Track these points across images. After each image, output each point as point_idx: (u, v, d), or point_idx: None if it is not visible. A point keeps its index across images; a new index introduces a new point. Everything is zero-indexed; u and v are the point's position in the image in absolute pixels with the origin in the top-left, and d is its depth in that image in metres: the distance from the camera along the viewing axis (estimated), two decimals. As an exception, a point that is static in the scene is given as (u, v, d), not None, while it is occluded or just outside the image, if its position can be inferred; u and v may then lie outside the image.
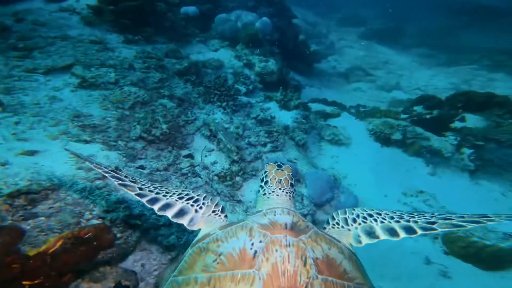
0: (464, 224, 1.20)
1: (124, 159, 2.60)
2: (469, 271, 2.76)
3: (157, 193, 1.37)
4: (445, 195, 3.69)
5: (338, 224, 1.40)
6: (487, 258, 2.73)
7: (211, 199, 1.46)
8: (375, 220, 1.34)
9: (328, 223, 1.44)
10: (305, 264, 0.96)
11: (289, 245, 1.02)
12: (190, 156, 3.11)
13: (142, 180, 1.49)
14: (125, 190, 1.34)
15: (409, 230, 1.25)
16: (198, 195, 1.45)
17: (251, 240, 1.07)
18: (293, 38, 9.75)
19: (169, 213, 1.31)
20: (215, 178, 2.87)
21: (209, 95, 4.33)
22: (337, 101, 6.15)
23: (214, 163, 3.13)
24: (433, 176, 4.16)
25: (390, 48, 16.49)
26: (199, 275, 0.99)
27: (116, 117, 3.19)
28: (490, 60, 12.15)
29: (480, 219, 1.22)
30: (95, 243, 1.53)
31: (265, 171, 1.65)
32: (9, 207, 1.76)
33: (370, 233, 1.30)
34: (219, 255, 1.04)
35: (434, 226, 1.22)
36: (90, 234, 1.55)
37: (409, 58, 15.09)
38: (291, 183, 1.59)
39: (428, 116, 4.93)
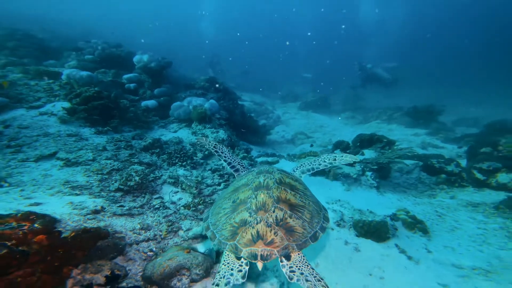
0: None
1: (108, 202, 3.49)
2: (370, 245, 3.86)
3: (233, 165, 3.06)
4: (356, 201, 5.04)
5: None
6: (374, 231, 3.91)
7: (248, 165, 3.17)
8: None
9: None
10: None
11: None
12: (160, 198, 4.06)
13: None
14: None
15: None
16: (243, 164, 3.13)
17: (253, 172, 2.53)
18: (240, 115, 11.50)
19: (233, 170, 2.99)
20: (182, 208, 3.80)
21: (172, 159, 5.52)
22: (276, 153, 7.77)
23: (180, 199, 4.11)
24: (348, 191, 5.62)
25: (323, 114, 20.26)
26: (230, 188, 2.42)
27: (98, 179, 4.13)
28: (385, 115, 16.13)
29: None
30: (95, 233, 2.42)
31: None
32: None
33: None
34: (241, 180, 2.46)
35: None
36: (92, 229, 2.45)
37: (338, 121, 18.76)
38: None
39: (340, 153, 6.73)
